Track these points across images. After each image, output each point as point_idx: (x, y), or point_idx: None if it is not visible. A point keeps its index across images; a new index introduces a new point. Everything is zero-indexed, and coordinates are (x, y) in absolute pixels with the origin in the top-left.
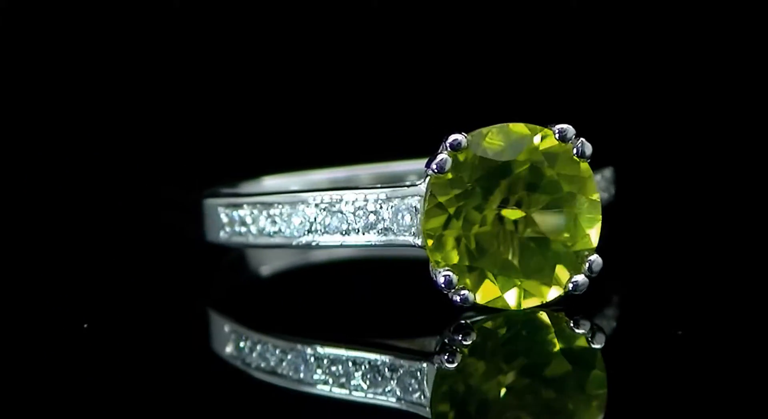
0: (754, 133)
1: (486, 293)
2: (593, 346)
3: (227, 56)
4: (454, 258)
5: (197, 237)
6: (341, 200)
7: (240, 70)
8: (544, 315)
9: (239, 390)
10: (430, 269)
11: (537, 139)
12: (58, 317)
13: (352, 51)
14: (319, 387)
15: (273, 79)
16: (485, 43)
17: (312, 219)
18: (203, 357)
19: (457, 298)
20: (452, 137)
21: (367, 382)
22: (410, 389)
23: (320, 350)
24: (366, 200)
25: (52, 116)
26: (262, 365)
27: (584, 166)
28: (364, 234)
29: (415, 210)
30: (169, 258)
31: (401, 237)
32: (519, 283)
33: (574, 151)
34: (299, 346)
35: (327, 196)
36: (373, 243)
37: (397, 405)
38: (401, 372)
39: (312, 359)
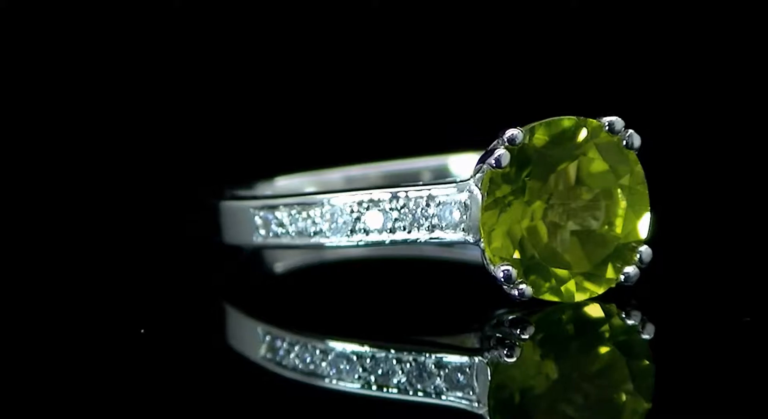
0: (754, 133)
1: (539, 286)
2: (643, 337)
3: (231, 57)
4: (508, 252)
5: (211, 238)
6: (382, 199)
7: (249, 71)
8: (596, 307)
9: (275, 391)
10: (486, 264)
11: (585, 133)
12: (82, 319)
13: (353, 51)
14: (360, 386)
15: (282, 80)
16: (488, 43)
17: (355, 218)
18: (239, 361)
19: (516, 292)
20: (509, 132)
21: (413, 380)
22: (459, 384)
23: (360, 349)
24: (408, 197)
25: (63, 119)
26: (300, 366)
27: (633, 157)
28: (410, 232)
29: (465, 207)
30: (185, 259)
31: (450, 234)
32: (571, 276)
33: (624, 142)
34: (335, 345)
35: (368, 195)
36: (421, 241)
37: (445, 402)
38: (449, 368)
39: (354, 357)
